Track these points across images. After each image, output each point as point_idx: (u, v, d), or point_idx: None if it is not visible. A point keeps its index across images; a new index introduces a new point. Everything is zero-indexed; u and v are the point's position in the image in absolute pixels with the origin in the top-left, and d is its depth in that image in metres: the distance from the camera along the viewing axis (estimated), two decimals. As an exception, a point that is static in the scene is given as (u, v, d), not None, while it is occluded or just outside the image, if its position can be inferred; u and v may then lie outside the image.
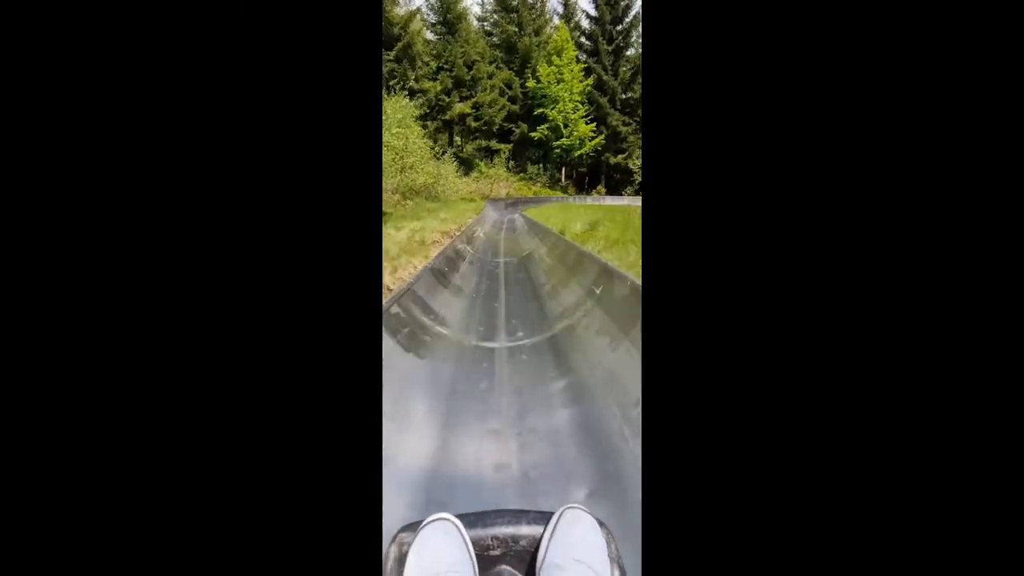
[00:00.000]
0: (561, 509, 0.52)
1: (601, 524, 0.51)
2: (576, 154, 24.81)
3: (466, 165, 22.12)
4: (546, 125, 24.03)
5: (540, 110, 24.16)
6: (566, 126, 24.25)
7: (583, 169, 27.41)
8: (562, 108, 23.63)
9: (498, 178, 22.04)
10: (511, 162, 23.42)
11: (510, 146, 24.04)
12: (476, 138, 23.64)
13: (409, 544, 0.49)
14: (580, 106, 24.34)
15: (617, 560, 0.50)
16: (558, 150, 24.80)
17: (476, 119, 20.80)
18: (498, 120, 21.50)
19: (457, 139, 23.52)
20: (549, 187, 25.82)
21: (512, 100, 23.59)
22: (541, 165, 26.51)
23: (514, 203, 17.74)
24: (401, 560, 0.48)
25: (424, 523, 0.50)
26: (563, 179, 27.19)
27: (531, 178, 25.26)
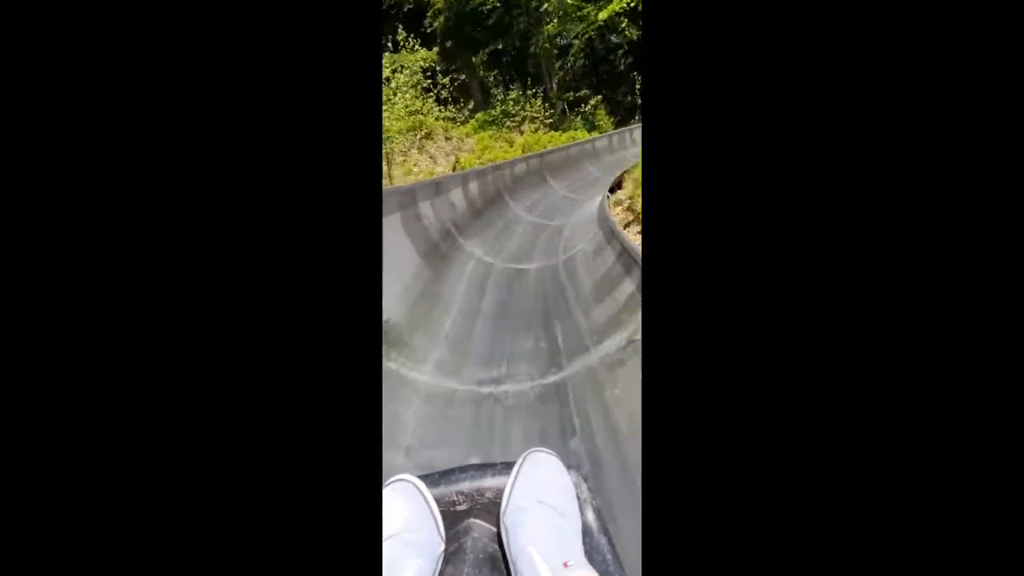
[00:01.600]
0: (525, 454, 0.51)
1: (569, 467, 0.50)
2: (602, 16, 9.29)
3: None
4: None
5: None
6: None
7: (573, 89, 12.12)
8: None
9: (415, 119, 6.69)
10: (456, 81, 7.90)
11: (429, 54, 8.54)
12: None
13: None
14: None
15: (590, 501, 0.49)
16: (560, 20, 9.40)
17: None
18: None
19: None
20: (555, 126, 10.57)
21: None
22: (512, 81, 10.87)
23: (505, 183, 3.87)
24: None
25: (383, 485, 0.50)
26: (559, 98, 11.84)
27: (509, 115, 9.95)
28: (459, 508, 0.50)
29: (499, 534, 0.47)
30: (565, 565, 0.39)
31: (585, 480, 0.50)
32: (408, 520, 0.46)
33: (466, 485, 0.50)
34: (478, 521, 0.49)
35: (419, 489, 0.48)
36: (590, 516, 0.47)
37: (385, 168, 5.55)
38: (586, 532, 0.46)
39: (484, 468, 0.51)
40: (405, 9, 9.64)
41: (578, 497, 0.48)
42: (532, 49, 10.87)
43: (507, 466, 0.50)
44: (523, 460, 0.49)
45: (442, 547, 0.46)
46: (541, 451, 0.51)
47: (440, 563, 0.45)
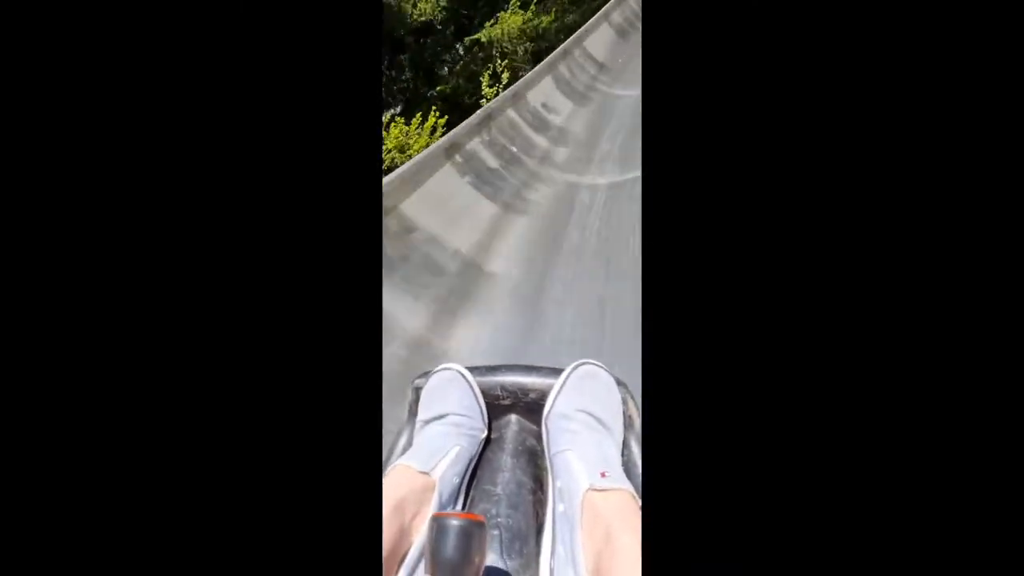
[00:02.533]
0: (576, 363, 0.51)
1: (619, 383, 0.50)
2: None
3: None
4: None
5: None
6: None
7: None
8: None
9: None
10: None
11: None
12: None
13: (422, 388, 0.54)
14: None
15: (636, 419, 0.49)
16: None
17: None
18: None
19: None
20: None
21: None
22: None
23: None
24: (417, 402, 0.54)
25: (433, 372, 0.54)
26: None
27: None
28: (503, 402, 0.52)
29: (540, 434, 0.49)
30: (603, 475, 0.40)
31: (632, 398, 0.49)
32: (455, 404, 0.50)
33: (509, 381, 0.52)
34: (520, 417, 0.53)
35: (465, 378, 0.52)
36: (632, 434, 0.48)
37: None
38: (624, 447, 0.47)
39: (530, 369, 0.53)
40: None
41: (624, 413, 0.48)
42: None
43: (552, 371, 0.51)
44: (573, 370, 0.50)
45: (485, 433, 0.50)
46: (592, 363, 0.50)
47: (481, 446, 0.50)
